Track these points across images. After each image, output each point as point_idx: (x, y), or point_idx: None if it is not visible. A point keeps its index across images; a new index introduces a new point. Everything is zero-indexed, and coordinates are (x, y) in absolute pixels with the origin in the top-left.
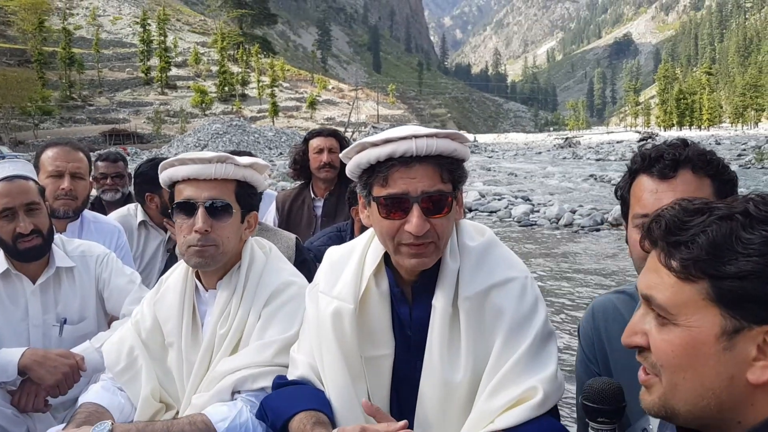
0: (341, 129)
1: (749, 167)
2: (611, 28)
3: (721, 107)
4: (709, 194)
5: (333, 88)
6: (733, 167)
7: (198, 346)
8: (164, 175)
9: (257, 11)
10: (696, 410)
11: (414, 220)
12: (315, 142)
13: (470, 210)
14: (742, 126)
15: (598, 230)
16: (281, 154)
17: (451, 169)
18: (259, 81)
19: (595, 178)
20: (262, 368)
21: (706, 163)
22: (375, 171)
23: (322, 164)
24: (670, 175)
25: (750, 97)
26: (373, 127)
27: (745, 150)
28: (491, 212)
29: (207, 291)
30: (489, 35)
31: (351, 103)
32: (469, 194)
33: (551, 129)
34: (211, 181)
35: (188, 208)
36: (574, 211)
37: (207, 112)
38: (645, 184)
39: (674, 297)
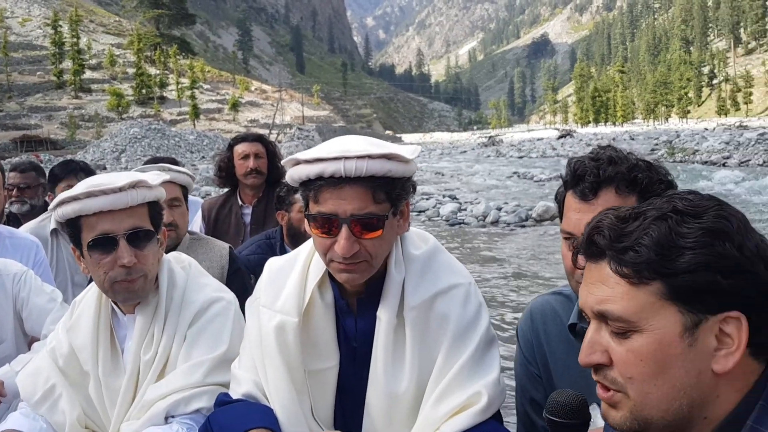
0: (266, 131)
1: (661, 161)
2: (529, 29)
3: (634, 104)
4: None
5: (256, 89)
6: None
7: (120, 374)
8: (68, 211)
9: (174, 11)
10: (669, 415)
11: (342, 242)
12: (240, 148)
13: None
14: (654, 121)
15: (523, 226)
16: (203, 157)
17: (386, 189)
18: (178, 83)
19: (519, 175)
20: (195, 390)
21: (630, 182)
22: (308, 186)
23: (248, 170)
24: (590, 198)
25: (660, 93)
26: (299, 128)
27: (657, 145)
28: (420, 212)
29: (125, 315)
30: (412, 35)
31: (275, 105)
32: None
33: (475, 128)
34: (127, 209)
35: (106, 242)
36: (499, 209)
37: (124, 115)
38: (570, 202)
39: (630, 305)
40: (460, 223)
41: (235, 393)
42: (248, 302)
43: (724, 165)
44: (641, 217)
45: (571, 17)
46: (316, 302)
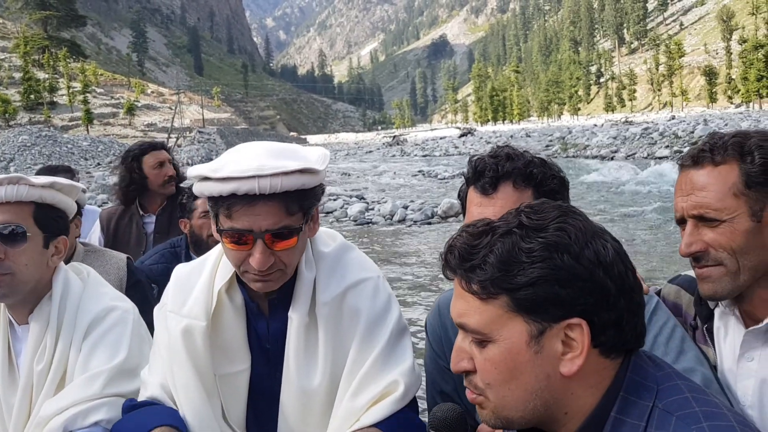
0: (164, 135)
1: (556, 157)
2: (428, 30)
3: (529, 102)
4: None
5: (153, 92)
6: (542, 157)
7: (15, 387)
8: None
9: (63, 13)
10: (527, 414)
11: (257, 257)
12: (152, 159)
13: None
14: (548, 119)
15: (429, 223)
16: (99, 164)
17: (300, 201)
18: (69, 87)
19: (424, 174)
20: (92, 402)
21: (527, 177)
22: (218, 202)
23: (167, 178)
24: (491, 192)
25: (553, 92)
26: (200, 131)
27: (551, 141)
28: (327, 213)
29: (20, 326)
30: (313, 36)
31: (173, 108)
32: None
33: (379, 128)
34: (3, 204)
35: None
36: (406, 207)
37: (11, 122)
38: (472, 197)
39: (482, 318)
40: (367, 223)
41: (142, 398)
42: (156, 309)
43: (612, 158)
44: (490, 234)
45: (467, 19)
46: (225, 306)
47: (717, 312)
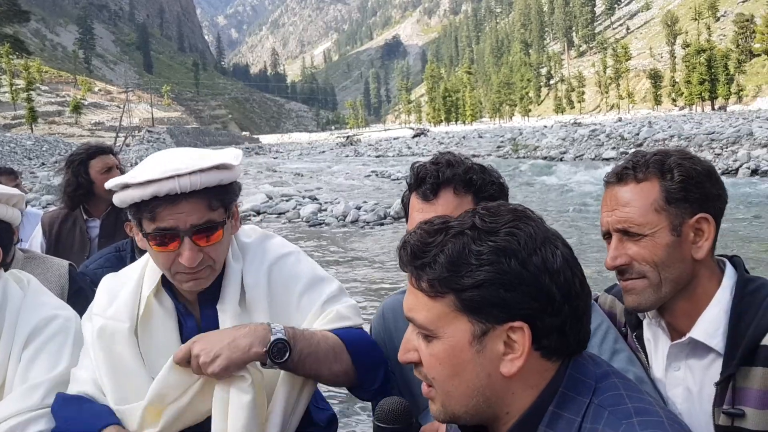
0: (112, 134)
1: (507, 157)
2: (381, 30)
3: (481, 103)
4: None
5: (100, 90)
6: (493, 158)
7: None
8: None
9: (6, 8)
10: (470, 410)
11: (186, 254)
12: (99, 163)
13: (258, 213)
14: (500, 120)
15: (382, 224)
16: (43, 164)
17: (219, 196)
18: (12, 84)
19: (377, 174)
20: (32, 413)
21: (466, 183)
22: (140, 208)
23: None
24: (431, 198)
25: (504, 93)
26: (149, 131)
27: (503, 142)
28: (280, 214)
29: None
30: (265, 35)
31: (122, 106)
32: (257, 197)
33: (333, 128)
34: None
35: None
36: (359, 208)
37: None
38: (414, 203)
39: (429, 315)
40: (320, 224)
41: (73, 392)
42: (85, 315)
43: (561, 159)
44: (444, 233)
45: (420, 20)
46: (154, 309)
47: (645, 322)
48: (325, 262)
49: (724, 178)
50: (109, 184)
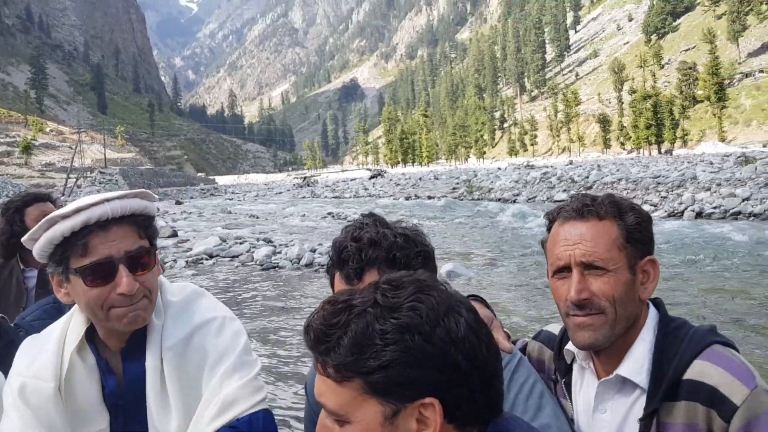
0: (63, 175)
1: (462, 199)
2: (339, 73)
3: (438, 145)
4: None
5: (52, 130)
6: (448, 199)
7: None
8: None
9: None
10: None
11: (124, 281)
12: (35, 211)
13: (211, 256)
14: (456, 161)
15: None
16: None
17: (145, 226)
18: None
19: (333, 216)
20: None
21: (390, 262)
22: (71, 242)
23: None
24: (356, 282)
25: (460, 136)
26: (101, 172)
27: (458, 184)
28: (233, 257)
29: None
30: (223, 77)
31: (74, 147)
32: (210, 239)
33: (290, 168)
34: None
35: None
36: (314, 250)
37: None
38: (338, 282)
39: (338, 400)
40: (274, 267)
41: None
42: (6, 379)
43: (515, 201)
44: (347, 312)
45: (377, 64)
46: (76, 367)
47: (575, 366)
48: (278, 307)
49: (671, 221)
50: (25, 238)
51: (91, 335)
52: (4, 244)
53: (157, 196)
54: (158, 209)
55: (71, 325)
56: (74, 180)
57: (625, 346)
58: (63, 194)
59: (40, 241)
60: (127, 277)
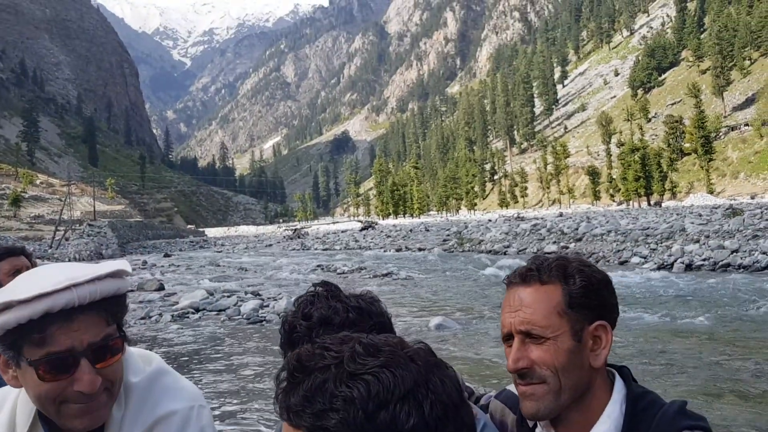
0: (52, 227)
1: (453, 251)
2: (331, 126)
3: (428, 197)
4: None
5: (42, 182)
6: (438, 251)
7: None
8: None
9: None
10: None
11: (85, 378)
12: (7, 265)
13: (198, 310)
14: (447, 213)
15: None
16: None
17: (115, 309)
18: None
19: (322, 268)
20: None
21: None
22: (26, 331)
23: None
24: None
25: (450, 187)
26: (89, 224)
27: (449, 235)
28: (220, 311)
29: None
30: (215, 129)
31: (63, 199)
32: (197, 293)
33: (281, 220)
34: None
35: None
36: None
37: None
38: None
39: None
40: (261, 321)
41: None
42: None
43: (505, 253)
44: (317, 359)
45: (368, 117)
46: None
47: None
48: (264, 361)
49: (661, 273)
50: None
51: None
52: None
53: (131, 270)
54: (203, 242)
55: (21, 399)
56: (62, 232)
57: (586, 420)
58: (51, 246)
59: None
60: (89, 374)
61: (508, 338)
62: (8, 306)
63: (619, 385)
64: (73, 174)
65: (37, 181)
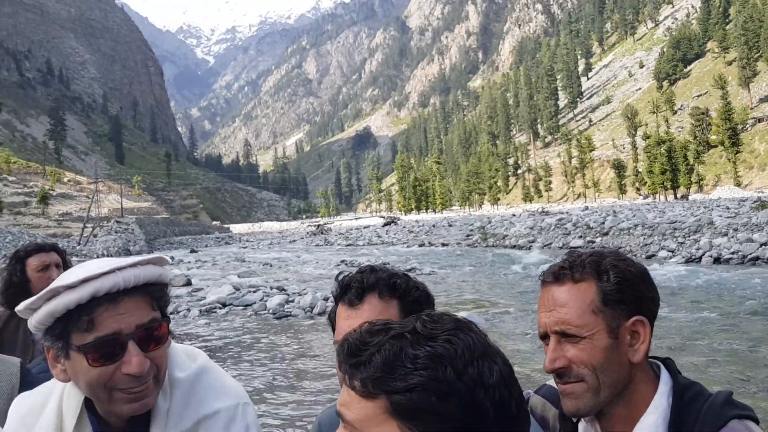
0: (80, 224)
1: (476, 246)
2: (352, 122)
3: (451, 192)
4: (396, 314)
5: (69, 180)
6: (462, 246)
7: None
8: None
9: None
10: None
11: (134, 360)
12: (36, 261)
13: (224, 305)
14: (469, 208)
15: None
16: (5, 256)
17: (158, 296)
18: None
19: (346, 263)
20: None
21: (391, 287)
22: (74, 317)
23: (51, 283)
24: (357, 303)
25: (473, 182)
26: (117, 221)
27: (472, 231)
28: (246, 306)
29: None
30: (238, 126)
31: (91, 197)
32: (223, 288)
33: (304, 216)
34: None
35: None
36: (327, 299)
37: None
38: (340, 311)
39: (360, 414)
40: (287, 316)
41: None
42: None
43: (530, 248)
44: (383, 333)
45: (390, 112)
46: None
47: (580, 428)
48: (291, 356)
49: (689, 267)
50: (21, 307)
51: (91, 403)
52: (4, 294)
53: (170, 261)
54: (229, 238)
55: (67, 393)
56: (90, 229)
57: (630, 414)
58: (79, 243)
59: (39, 313)
60: (137, 356)
61: (544, 338)
62: (56, 293)
63: (665, 377)
64: (100, 172)
65: (65, 179)
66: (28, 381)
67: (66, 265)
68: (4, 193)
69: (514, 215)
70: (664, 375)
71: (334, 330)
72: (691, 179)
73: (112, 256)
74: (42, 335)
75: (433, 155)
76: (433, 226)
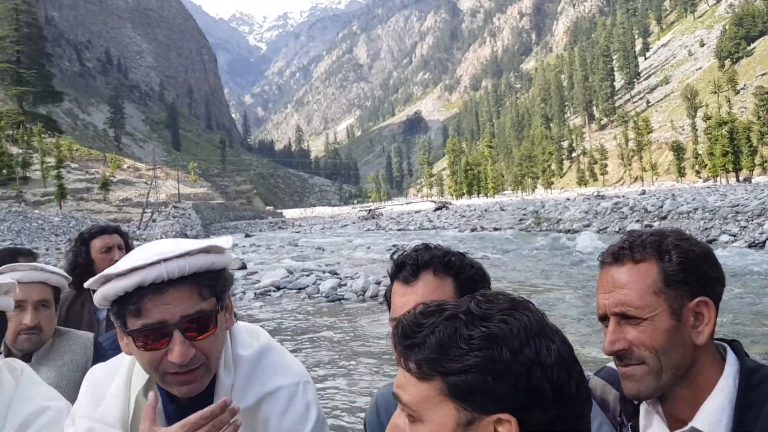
0: (139, 210)
1: (530, 230)
2: (403, 107)
3: (503, 176)
4: (451, 291)
5: (128, 167)
6: (515, 231)
7: None
8: None
9: (40, 89)
10: None
11: (176, 349)
12: (99, 243)
13: (279, 288)
14: (522, 192)
15: None
16: (69, 240)
17: (210, 283)
18: (43, 162)
19: (398, 248)
20: None
21: (445, 265)
22: (124, 303)
23: (113, 264)
24: (412, 281)
25: (526, 166)
26: (174, 206)
27: (525, 215)
28: (300, 289)
29: None
30: (290, 113)
31: (149, 183)
32: (278, 272)
33: (355, 201)
34: None
35: None
36: (379, 283)
37: None
38: (395, 289)
39: (416, 396)
40: (339, 299)
41: None
42: (67, 419)
43: (584, 232)
44: (437, 315)
45: (441, 96)
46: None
47: (642, 410)
48: (344, 338)
49: (752, 251)
50: (88, 284)
51: None
52: (70, 275)
53: (229, 247)
54: (282, 223)
55: (138, 365)
56: (149, 214)
57: (694, 396)
58: (138, 228)
59: (96, 295)
60: (180, 345)
61: (603, 319)
62: (108, 279)
63: (731, 359)
64: (158, 158)
65: (124, 166)
66: (101, 354)
67: (128, 248)
68: (68, 179)
69: (568, 199)
70: (731, 357)
71: (390, 308)
72: (755, 161)
73: (158, 241)
74: (107, 312)
75: (484, 139)
76: (485, 210)
